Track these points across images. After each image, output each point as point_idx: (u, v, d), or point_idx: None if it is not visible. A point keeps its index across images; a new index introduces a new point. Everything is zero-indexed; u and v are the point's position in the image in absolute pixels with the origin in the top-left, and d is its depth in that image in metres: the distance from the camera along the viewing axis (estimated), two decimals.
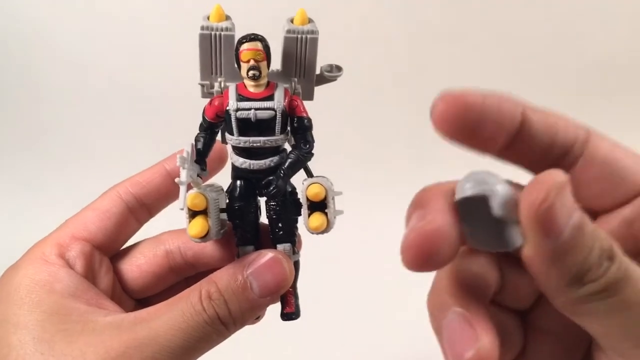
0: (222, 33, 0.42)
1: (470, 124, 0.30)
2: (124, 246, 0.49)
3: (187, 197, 0.40)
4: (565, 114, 0.33)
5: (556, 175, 0.28)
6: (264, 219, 0.46)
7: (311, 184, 0.42)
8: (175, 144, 0.49)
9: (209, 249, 0.48)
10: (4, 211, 1.14)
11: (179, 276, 0.49)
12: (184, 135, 0.45)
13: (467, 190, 0.30)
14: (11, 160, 1.19)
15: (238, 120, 0.41)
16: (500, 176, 0.31)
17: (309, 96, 0.46)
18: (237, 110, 0.41)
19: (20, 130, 1.20)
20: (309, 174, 0.45)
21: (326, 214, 0.42)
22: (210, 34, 0.43)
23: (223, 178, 0.47)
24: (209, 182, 0.46)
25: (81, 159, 1.18)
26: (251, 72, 0.41)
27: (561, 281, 0.28)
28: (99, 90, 1.17)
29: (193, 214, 0.42)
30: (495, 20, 1.16)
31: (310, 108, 0.44)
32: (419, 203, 0.31)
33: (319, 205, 0.43)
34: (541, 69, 1.19)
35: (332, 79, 0.45)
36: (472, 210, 0.30)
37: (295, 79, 0.44)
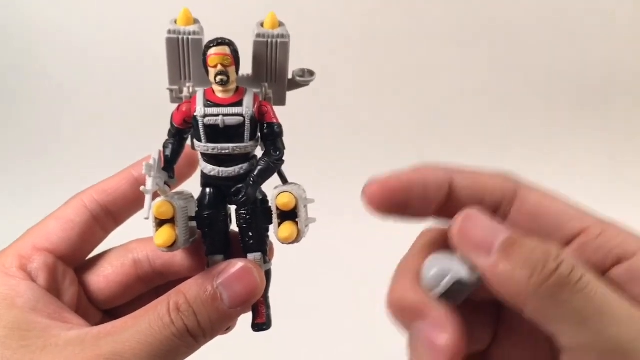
0: (190, 37, 0.41)
1: (398, 204, 0.35)
2: (91, 255, 0.47)
3: (153, 206, 0.39)
4: (494, 172, 0.37)
5: (466, 210, 0.33)
6: (234, 227, 0.44)
7: (281, 192, 0.41)
8: (144, 149, 0.47)
9: (179, 258, 0.46)
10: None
11: (148, 286, 0.47)
12: (153, 140, 0.43)
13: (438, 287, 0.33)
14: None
15: (206, 126, 0.40)
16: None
17: (281, 101, 0.44)
18: (205, 116, 0.40)
19: (15, 132, 1.17)
20: (284, 180, 0.44)
21: (297, 223, 0.41)
22: (178, 38, 0.41)
23: (194, 185, 0.46)
24: (179, 189, 0.44)
25: (80, 154, 1.16)
26: (219, 78, 0.39)
27: (516, 286, 0.30)
28: (106, 80, 1.15)
29: (160, 223, 0.40)
30: (495, 21, 1.16)
31: (284, 112, 0.43)
32: (413, 314, 0.32)
33: (290, 214, 0.41)
34: (542, 72, 1.19)
35: (304, 84, 0.44)
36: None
37: (266, 84, 0.43)
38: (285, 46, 0.42)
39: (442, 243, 0.36)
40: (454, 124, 1.19)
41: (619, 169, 1.21)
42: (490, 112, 1.19)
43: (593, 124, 1.21)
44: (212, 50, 0.39)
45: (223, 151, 0.40)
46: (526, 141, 1.21)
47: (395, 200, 0.34)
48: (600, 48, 1.18)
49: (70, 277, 0.44)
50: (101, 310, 0.47)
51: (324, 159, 1.08)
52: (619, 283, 0.32)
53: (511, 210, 0.36)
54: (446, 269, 0.33)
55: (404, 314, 0.33)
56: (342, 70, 1.10)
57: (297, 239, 0.41)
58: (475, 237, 0.32)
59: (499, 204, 0.36)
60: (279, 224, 0.41)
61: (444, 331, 0.30)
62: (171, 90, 0.43)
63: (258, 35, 0.41)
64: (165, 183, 0.40)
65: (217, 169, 0.41)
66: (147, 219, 0.38)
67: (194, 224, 0.43)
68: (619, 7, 1.16)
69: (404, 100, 1.17)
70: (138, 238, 0.47)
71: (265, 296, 0.44)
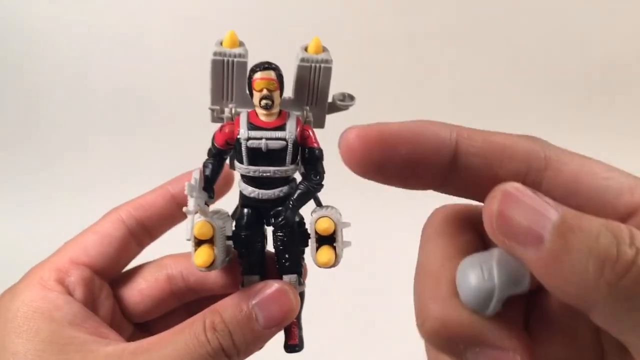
0: (235, 59, 0.41)
1: (385, 160, 0.28)
2: (124, 269, 0.47)
3: (194, 226, 0.39)
4: (514, 134, 0.29)
5: (505, 185, 0.25)
6: (269, 247, 0.44)
7: (320, 217, 0.41)
8: (180, 165, 0.47)
9: (212, 275, 0.46)
10: (7, 216, 1.11)
11: (180, 301, 0.47)
12: (189, 156, 0.43)
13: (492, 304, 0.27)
14: (14, 164, 1.17)
15: (249, 149, 0.40)
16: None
17: (320, 124, 0.44)
18: (249, 139, 0.40)
19: (22, 138, 1.17)
20: (318, 203, 0.44)
21: (334, 247, 0.41)
22: (223, 60, 0.41)
23: (227, 202, 0.46)
24: (215, 207, 0.44)
25: (85, 164, 1.16)
26: (264, 102, 0.39)
27: (576, 287, 0.24)
28: (110, 105, 1.15)
29: (199, 242, 0.40)
30: (499, 22, 1.16)
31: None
32: (467, 340, 0.27)
33: (327, 238, 0.41)
34: (544, 70, 1.18)
35: (344, 108, 0.44)
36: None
37: (307, 107, 0.43)
38: (328, 71, 0.42)
39: (467, 227, 0.30)
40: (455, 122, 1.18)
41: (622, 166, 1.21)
42: (492, 110, 1.19)
43: (595, 121, 1.20)
44: (258, 75, 0.39)
45: (264, 174, 0.40)
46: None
47: (382, 154, 0.28)
48: (603, 46, 1.17)
49: (106, 291, 0.44)
50: (132, 323, 0.47)
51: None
52: None
53: (542, 182, 0.28)
54: (490, 285, 0.27)
55: (453, 340, 0.27)
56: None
57: (334, 264, 0.41)
58: (521, 224, 0.25)
59: (524, 174, 0.28)
60: (317, 248, 0.41)
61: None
62: (213, 110, 0.43)
63: (302, 60, 0.41)
64: (205, 203, 0.40)
65: (257, 190, 0.41)
66: (189, 240, 0.38)
67: (230, 243, 0.43)
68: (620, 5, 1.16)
69: (407, 97, 1.16)
70: (170, 254, 0.48)
71: (298, 317, 0.44)
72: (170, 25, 1.12)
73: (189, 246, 0.41)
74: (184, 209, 0.37)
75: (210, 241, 0.40)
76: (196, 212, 0.38)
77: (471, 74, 1.17)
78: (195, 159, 0.45)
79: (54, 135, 1.17)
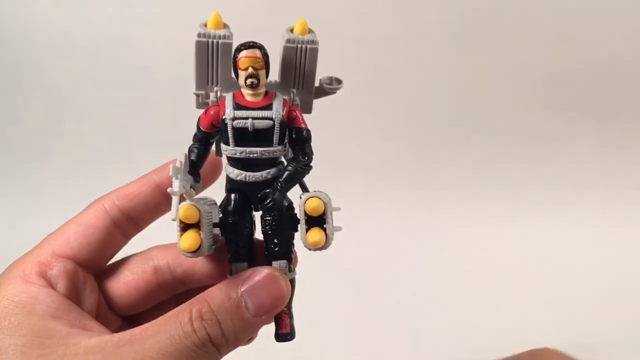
0: (220, 41, 0.39)
1: None
2: (110, 261, 0.45)
3: (179, 209, 0.36)
4: None
5: None
6: (258, 234, 0.42)
7: (310, 197, 0.38)
8: (165, 154, 0.45)
9: (200, 265, 0.43)
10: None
11: (168, 293, 0.45)
12: (175, 145, 0.41)
13: None
14: (10, 164, 1.14)
15: (235, 129, 0.38)
16: None
17: (308, 109, 0.42)
18: (234, 119, 0.37)
19: (20, 134, 1.14)
20: (304, 188, 0.42)
21: (324, 229, 0.38)
22: (207, 42, 0.39)
23: (215, 192, 0.44)
24: (201, 195, 0.42)
25: (77, 161, 1.13)
26: (249, 80, 0.37)
27: None
28: (107, 82, 1.12)
29: (185, 227, 0.37)
30: (499, 22, 1.14)
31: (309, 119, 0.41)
32: None
33: (317, 221, 0.38)
34: (541, 74, 1.17)
35: (331, 92, 0.42)
36: None
37: (294, 90, 0.41)
38: (314, 52, 0.40)
39: None
40: (453, 124, 1.17)
41: (618, 170, 1.19)
42: (493, 110, 1.18)
43: (595, 122, 1.19)
44: (243, 53, 0.37)
45: (251, 155, 0.38)
46: (526, 144, 1.19)
47: None
48: (603, 46, 1.16)
49: (90, 283, 0.41)
50: (121, 316, 0.44)
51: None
52: None
53: None
54: None
55: None
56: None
57: (325, 245, 0.38)
58: None
59: None
60: (307, 230, 0.38)
61: None
62: (198, 95, 0.41)
63: (288, 41, 0.39)
64: (191, 187, 0.38)
65: (243, 173, 0.39)
66: (174, 220, 0.36)
67: (217, 230, 0.40)
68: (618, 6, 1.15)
69: (402, 100, 1.14)
70: (158, 245, 0.45)
71: (289, 306, 0.41)
72: (173, 25, 1.10)
73: (176, 237, 0.38)
74: (169, 189, 0.35)
75: (197, 226, 0.37)
76: (181, 194, 0.36)
77: (471, 74, 1.16)
78: (180, 148, 0.42)
79: (36, 126, 1.14)
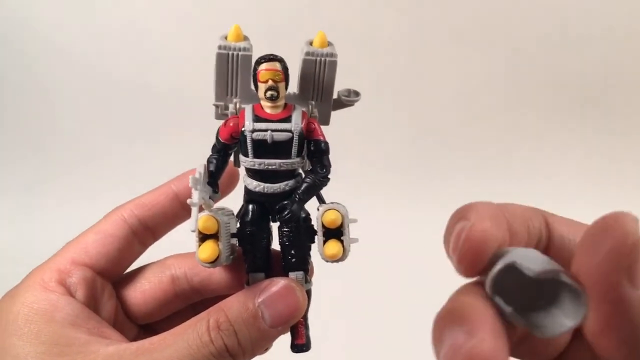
0: (240, 53, 0.39)
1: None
2: (127, 270, 0.45)
3: (198, 220, 0.36)
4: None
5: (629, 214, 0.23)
6: (275, 245, 0.42)
7: (327, 209, 0.38)
8: (183, 164, 0.45)
9: (217, 275, 0.43)
10: (8, 214, 1.09)
11: (185, 302, 0.45)
12: (193, 155, 0.41)
13: (496, 267, 0.27)
14: (15, 165, 1.14)
15: (254, 141, 0.38)
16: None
17: (325, 121, 0.42)
18: (254, 131, 0.38)
19: (25, 135, 1.15)
20: (321, 200, 0.42)
21: (342, 241, 0.38)
22: (228, 54, 0.39)
23: (231, 202, 0.44)
24: (219, 205, 0.42)
25: (87, 165, 1.13)
26: (269, 93, 0.38)
27: None
28: (110, 99, 1.13)
29: (203, 238, 0.37)
30: (499, 22, 1.14)
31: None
32: (457, 317, 0.26)
33: (334, 233, 0.39)
34: (544, 75, 1.16)
35: (349, 104, 0.42)
36: (510, 289, 0.27)
37: (313, 102, 0.41)
38: (333, 65, 0.40)
39: None
40: (454, 125, 1.17)
41: (621, 170, 1.19)
42: (493, 111, 1.17)
43: (595, 125, 1.19)
44: (264, 66, 0.37)
45: (270, 167, 0.38)
46: (529, 142, 1.18)
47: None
48: (601, 49, 1.16)
49: (108, 291, 0.42)
50: (137, 325, 0.44)
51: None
52: None
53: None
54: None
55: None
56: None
57: (342, 257, 0.38)
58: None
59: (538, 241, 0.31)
60: (324, 242, 0.38)
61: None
62: (217, 106, 0.41)
63: (307, 54, 0.39)
64: (210, 198, 0.38)
65: (262, 184, 0.39)
66: (193, 231, 0.36)
67: (234, 240, 0.40)
68: (619, 9, 1.15)
69: (405, 105, 1.14)
70: (174, 254, 0.45)
71: (305, 316, 0.41)
72: (174, 24, 1.10)
73: (193, 246, 0.38)
74: (188, 200, 0.35)
75: (215, 236, 0.37)
76: (200, 205, 0.36)
77: (471, 74, 1.15)
78: (199, 157, 0.43)
79: (56, 136, 1.15)
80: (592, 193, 1.16)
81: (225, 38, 0.39)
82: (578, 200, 1.14)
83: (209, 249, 0.37)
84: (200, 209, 0.37)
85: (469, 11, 1.12)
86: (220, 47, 0.39)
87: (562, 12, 1.14)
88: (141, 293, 0.43)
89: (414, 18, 1.12)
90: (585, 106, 1.18)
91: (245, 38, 0.40)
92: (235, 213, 0.42)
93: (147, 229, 0.44)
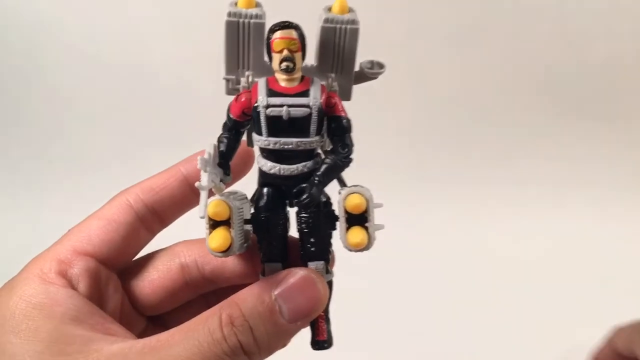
0: (252, 21, 0.35)
1: None
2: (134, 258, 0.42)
3: (208, 205, 0.33)
4: None
5: None
6: (293, 232, 0.38)
7: (350, 193, 0.34)
8: (193, 145, 0.42)
9: (230, 263, 0.40)
10: (8, 212, 1.07)
11: (196, 292, 0.41)
12: (203, 134, 0.38)
13: None
14: (15, 160, 1.12)
15: (268, 118, 0.34)
16: None
17: (346, 95, 0.38)
18: (268, 106, 0.34)
19: (25, 129, 1.12)
20: (342, 183, 0.38)
21: (366, 228, 0.35)
22: (238, 22, 0.35)
23: (246, 185, 0.40)
24: (231, 189, 0.38)
25: (89, 154, 1.11)
26: (284, 64, 0.33)
27: None
28: (108, 80, 1.09)
29: (214, 224, 0.34)
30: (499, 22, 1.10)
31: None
32: None
33: (358, 219, 0.35)
34: (545, 76, 1.12)
35: (373, 77, 0.38)
36: None
37: (333, 75, 0.37)
38: (355, 33, 0.36)
39: None
40: (454, 126, 1.13)
41: (621, 172, 1.15)
42: (494, 110, 1.14)
43: (595, 122, 1.15)
44: (278, 34, 0.33)
45: (286, 146, 0.34)
46: (529, 144, 1.14)
47: None
48: (603, 50, 1.11)
49: (113, 282, 0.38)
50: (145, 316, 0.41)
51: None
52: None
53: None
54: None
55: None
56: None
57: (367, 246, 0.34)
58: None
59: None
60: (347, 229, 0.35)
61: None
62: (228, 80, 0.37)
63: (326, 21, 0.35)
64: (220, 180, 0.35)
65: (277, 166, 0.35)
66: (202, 217, 0.33)
67: (248, 227, 0.37)
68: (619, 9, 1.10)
69: (408, 99, 1.11)
70: (184, 240, 0.42)
71: (326, 310, 0.37)
72: (192, 27, 1.06)
73: (203, 231, 0.35)
74: (196, 184, 0.31)
75: (227, 223, 0.34)
76: (210, 189, 0.32)
77: (472, 74, 1.11)
78: (209, 138, 0.39)
79: (54, 119, 1.12)
80: (593, 193, 1.13)
81: (235, 4, 0.35)
82: (579, 201, 1.12)
83: (220, 237, 0.33)
84: (211, 193, 0.34)
85: (471, 11, 1.08)
86: (229, 14, 0.35)
87: (563, 13, 1.09)
88: (149, 283, 0.40)
89: (415, 18, 1.08)
90: (589, 108, 1.14)
91: (257, 4, 0.36)
92: (250, 197, 0.38)
93: (155, 215, 0.40)
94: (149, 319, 0.41)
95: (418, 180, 1.11)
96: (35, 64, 1.10)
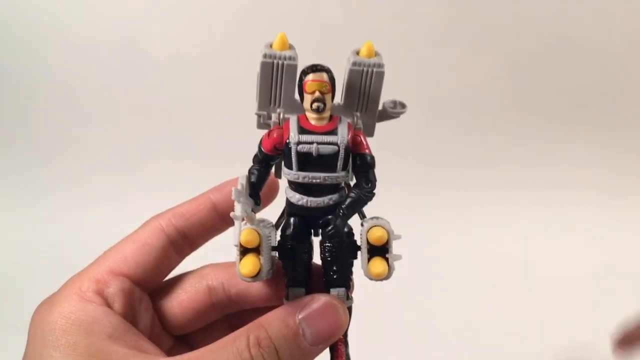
0: (285, 62, 0.38)
1: None
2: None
3: (240, 233, 0.35)
4: None
5: None
6: (315, 259, 0.40)
7: (373, 226, 0.37)
8: (219, 172, 0.44)
9: (255, 287, 0.42)
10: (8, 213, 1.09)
11: (221, 313, 0.43)
12: (228, 162, 0.40)
13: None
14: (19, 161, 1.14)
15: (299, 153, 0.36)
16: None
17: (370, 132, 0.40)
18: (299, 143, 0.36)
19: (29, 129, 1.14)
20: (362, 214, 0.40)
21: (387, 259, 0.37)
22: (273, 62, 0.38)
23: (270, 213, 0.42)
24: (258, 217, 0.41)
25: (94, 155, 1.12)
26: (315, 104, 0.36)
27: None
28: (113, 82, 1.11)
29: (244, 251, 0.36)
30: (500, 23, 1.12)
31: None
32: None
33: (379, 250, 0.37)
34: (543, 79, 1.14)
35: (395, 116, 0.40)
36: None
37: (358, 114, 0.39)
38: (381, 76, 0.38)
39: None
40: (454, 128, 1.15)
41: (620, 173, 1.16)
42: (494, 110, 1.15)
43: (594, 129, 1.16)
44: (310, 77, 0.36)
45: (314, 180, 0.36)
46: (529, 146, 1.16)
47: None
48: (604, 46, 1.13)
49: (145, 302, 0.41)
50: (172, 336, 0.43)
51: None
52: None
53: None
54: None
55: None
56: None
57: (387, 276, 0.36)
58: None
59: None
60: (368, 259, 0.37)
61: None
62: (259, 116, 0.40)
63: (354, 64, 0.38)
64: (252, 210, 0.37)
65: (305, 198, 0.37)
66: (236, 245, 0.35)
67: (274, 253, 0.39)
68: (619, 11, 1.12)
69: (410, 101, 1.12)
70: (211, 263, 0.44)
71: (345, 334, 0.39)
72: (202, 29, 1.08)
73: (229, 255, 0.37)
74: (231, 214, 0.33)
75: (256, 250, 0.36)
76: (243, 219, 0.34)
77: (471, 78, 1.13)
78: (236, 166, 0.41)
79: (43, 127, 1.14)
80: (593, 194, 1.14)
81: (271, 46, 0.38)
82: (579, 202, 1.13)
83: (250, 264, 0.35)
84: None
85: (472, 12, 1.10)
86: (265, 56, 0.37)
87: (564, 15, 1.11)
88: (177, 303, 0.42)
89: (408, 17, 1.10)
90: (587, 110, 1.15)
91: (291, 47, 0.38)
92: (274, 223, 0.40)
93: (185, 239, 0.42)
94: (176, 338, 0.43)
95: (419, 183, 1.12)
96: (41, 65, 1.11)
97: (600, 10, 1.11)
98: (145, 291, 0.41)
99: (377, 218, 0.38)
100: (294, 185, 0.38)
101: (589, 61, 1.13)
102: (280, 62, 0.38)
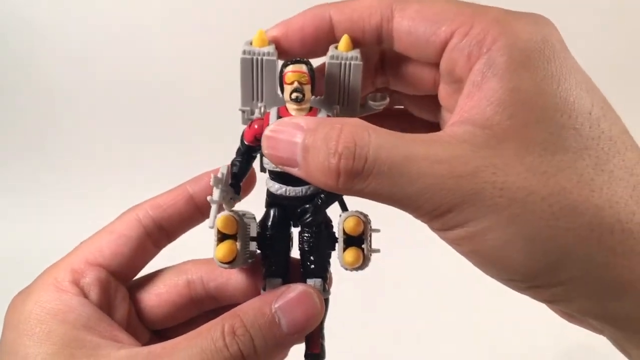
0: (264, 58, 0.38)
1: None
2: (143, 273, 0.43)
3: (217, 218, 0.35)
4: None
5: (265, 131, 0.34)
6: (294, 252, 0.40)
7: (349, 216, 0.37)
8: (199, 164, 0.44)
9: (233, 280, 0.41)
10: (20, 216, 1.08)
11: (200, 309, 0.43)
12: (209, 157, 0.40)
13: None
14: (16, 163, 1.13)
15: None
16: None
17: None
18: None
19: (23, 127, 1.13)
20: (344, 207, 0.40)
21: (362, 249, 0.37)
22: (252, 59, 0.38)
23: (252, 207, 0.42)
24: (242, 209, 0.41)
25: (89, 154, 1.11)
26: (294, 94, 0.36)
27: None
28: (106, 80, 1.10)
29: (222, 238, 0.36)
30: None
31: None
32: None
33: (355, 241, 0.37)
34: None
35: (376, 108, 0.40)
36: None
37: (338, 107, 0.40)
38: (358, 68, 0.39)
39: None
40: None
41: None
42: None
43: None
44: (290, 68, 0.36)
45: None
46: None
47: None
48: (603, 52, 1.12)
49: (122, 293, 0.40)
50: (150, 330, 0.42)
51: None
52: (474, 83, 0.31)
53: (393, 28, 0.35)
54: None
55: None
56: None
57: (361, 266, 0.36)
58: (283, 157, 0.32)
59: (380, 27, 0.35)
60: (344, 249, 0.37)
61: None
62: (243, 111, 0.40)
63: (332, 57, 0.38)
64: (231, 199, 0.37)
65: (284, 187, 0.37)
66: (211, 227, 0.35)
67: (253, 245, 0.39)
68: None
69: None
70: (193, 259, 0.43)
71: (321, 325, 0.39)
72: (192, 27, 1.07)
73: (212, 246, 0.37)
74: (208, 197, 0.34)
75: (234, 237, 0.36)
76: (221, 204, 0.34)
77: None
78: (217, 159, 0.41)
79: (68, 134, 1.13)
80: None
81: (250, 44, 0.39)
82: None
83: (226, 249, 0.35)
84: (221, 209, 0.36)
85: None
86: (244, 52, 0.38)
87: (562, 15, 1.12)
88: (156, 296, 0.42)
89: None
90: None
91: (270, 43, 0.39)
92: (258, 220, 0.40)
93: (162, 231, 0.42)
94: (153, 334, 0.43)
95: None
96: (35, 65, 1.11)
97: (601, 9, 1.11)
98: (122, 282, 0.41)
99: (357, 211, 0.38)
100: (273, 175, 0.38)
101: (591, 62, 1.12)
102: (259, 58, 0.38)
